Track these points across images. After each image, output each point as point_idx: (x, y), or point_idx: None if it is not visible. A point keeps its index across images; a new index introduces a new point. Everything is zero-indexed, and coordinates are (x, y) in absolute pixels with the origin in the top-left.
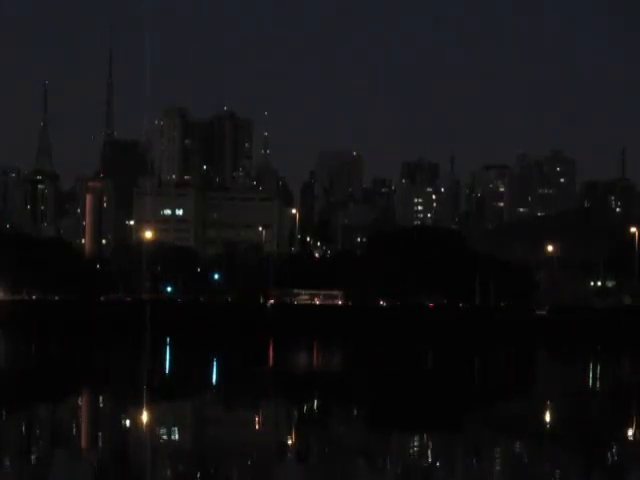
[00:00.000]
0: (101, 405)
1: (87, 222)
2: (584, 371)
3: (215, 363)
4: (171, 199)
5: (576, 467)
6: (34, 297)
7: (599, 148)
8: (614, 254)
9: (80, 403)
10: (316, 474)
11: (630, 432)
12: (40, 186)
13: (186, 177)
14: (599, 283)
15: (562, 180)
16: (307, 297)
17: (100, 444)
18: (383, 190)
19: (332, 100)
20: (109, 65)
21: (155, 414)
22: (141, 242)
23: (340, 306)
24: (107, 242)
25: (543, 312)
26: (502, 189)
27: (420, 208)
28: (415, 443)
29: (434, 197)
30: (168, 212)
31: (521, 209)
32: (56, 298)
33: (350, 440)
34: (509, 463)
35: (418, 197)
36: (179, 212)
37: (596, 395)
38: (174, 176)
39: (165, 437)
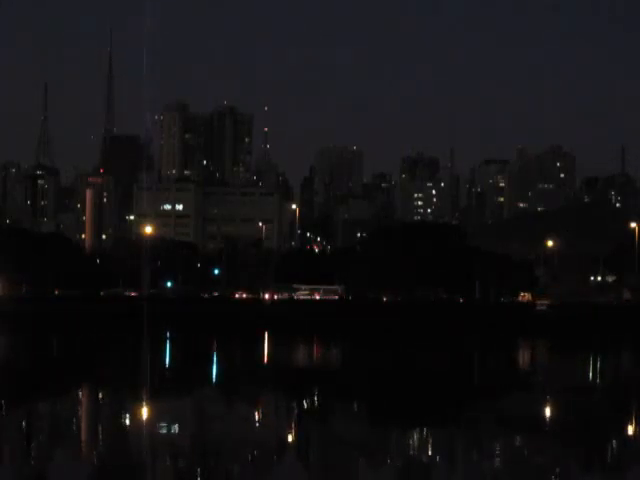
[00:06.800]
0: (101, 398)
1: (87, 217)
2: (584, 365)
3: (215, 358)
4: (171, 194)
5: (563, 451)
6: (34, 292)
7: (599, 144)
8: (614, 249)
9: (81, 397)
10: (311, 465)
11: (630, 427)
12: (40, 181)
13: (186, 172)
14: (599, 278)
15: (562, 175)
16: (307, 292)
17: (102, 436)
18: (383, 185)
19: (332, 96)
20: (109, 60)
21: (154, 410)
22: (141, 237)
23: (340, 301)
24: (107, 237)
25: (543, 307)
26: (502, 184)
27: (420, 203)
28: (414, 436)
29: (434, 192)
30: (168, 207)
31: (521, 204)
32: (56, 293)
33: (345, 433)
34: (507, 454)
35: (418, 192)
36: (179, 207)
37: (594, 389)
38: (174, 171)
39: (164, 432)
